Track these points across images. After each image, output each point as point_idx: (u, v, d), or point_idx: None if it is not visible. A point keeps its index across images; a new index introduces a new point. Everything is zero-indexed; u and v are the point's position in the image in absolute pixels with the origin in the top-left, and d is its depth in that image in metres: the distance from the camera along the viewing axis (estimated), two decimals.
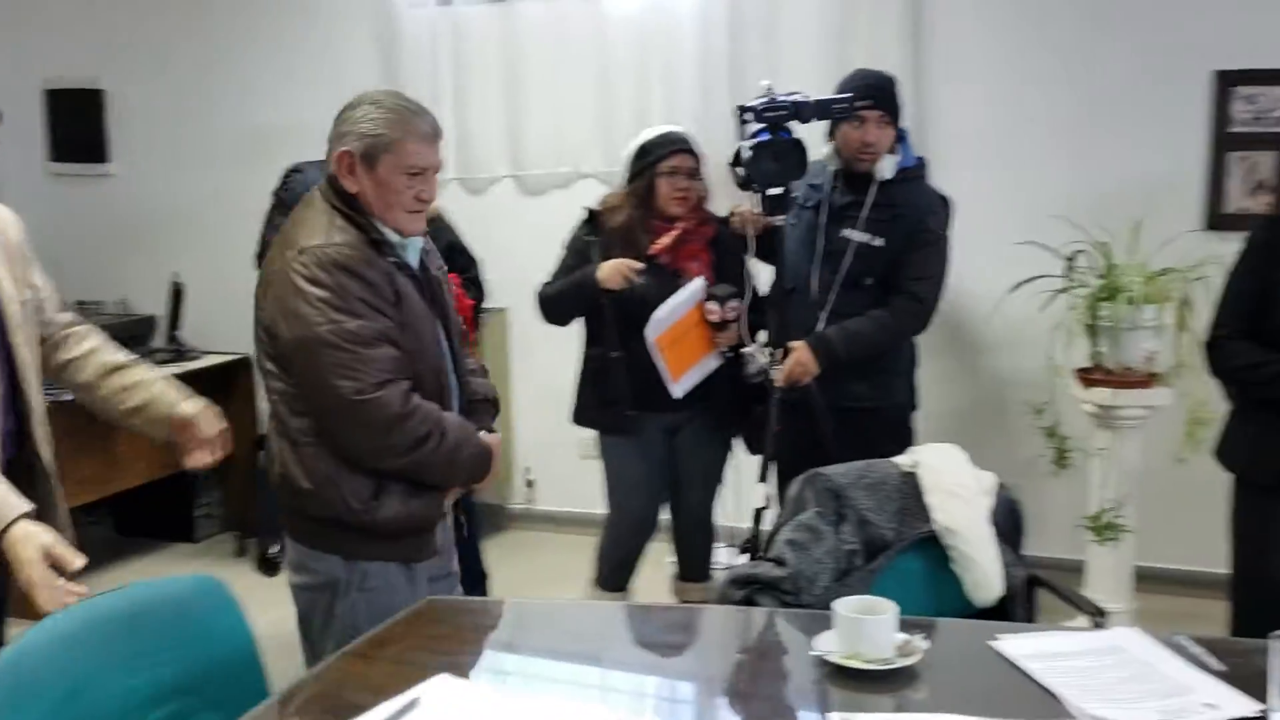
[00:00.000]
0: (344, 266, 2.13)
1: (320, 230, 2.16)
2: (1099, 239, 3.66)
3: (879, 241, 3.25)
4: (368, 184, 2.16)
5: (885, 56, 4.07)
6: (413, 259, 2.27)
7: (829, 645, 1.79)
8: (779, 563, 2.34)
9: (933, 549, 2.40)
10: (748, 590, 2.32)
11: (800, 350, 3.18)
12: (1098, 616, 2.42)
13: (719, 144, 3.61)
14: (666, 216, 3.30)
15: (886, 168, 3.26)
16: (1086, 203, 3.95)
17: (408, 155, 2.16)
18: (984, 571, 2.35)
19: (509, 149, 4.79)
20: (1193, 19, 3.98)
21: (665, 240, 3.29)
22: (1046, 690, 1.67)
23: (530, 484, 5.01)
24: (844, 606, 1.80)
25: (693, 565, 3.56)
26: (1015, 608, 2.40)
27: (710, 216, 3.38)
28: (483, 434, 2.36)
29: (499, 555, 4.07)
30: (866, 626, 1.76)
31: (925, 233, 3.28)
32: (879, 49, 4.19)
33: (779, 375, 3.13)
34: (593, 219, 3.40)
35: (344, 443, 2.19)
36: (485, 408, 2.48)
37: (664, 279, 3.27)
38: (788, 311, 3.21)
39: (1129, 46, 4.07)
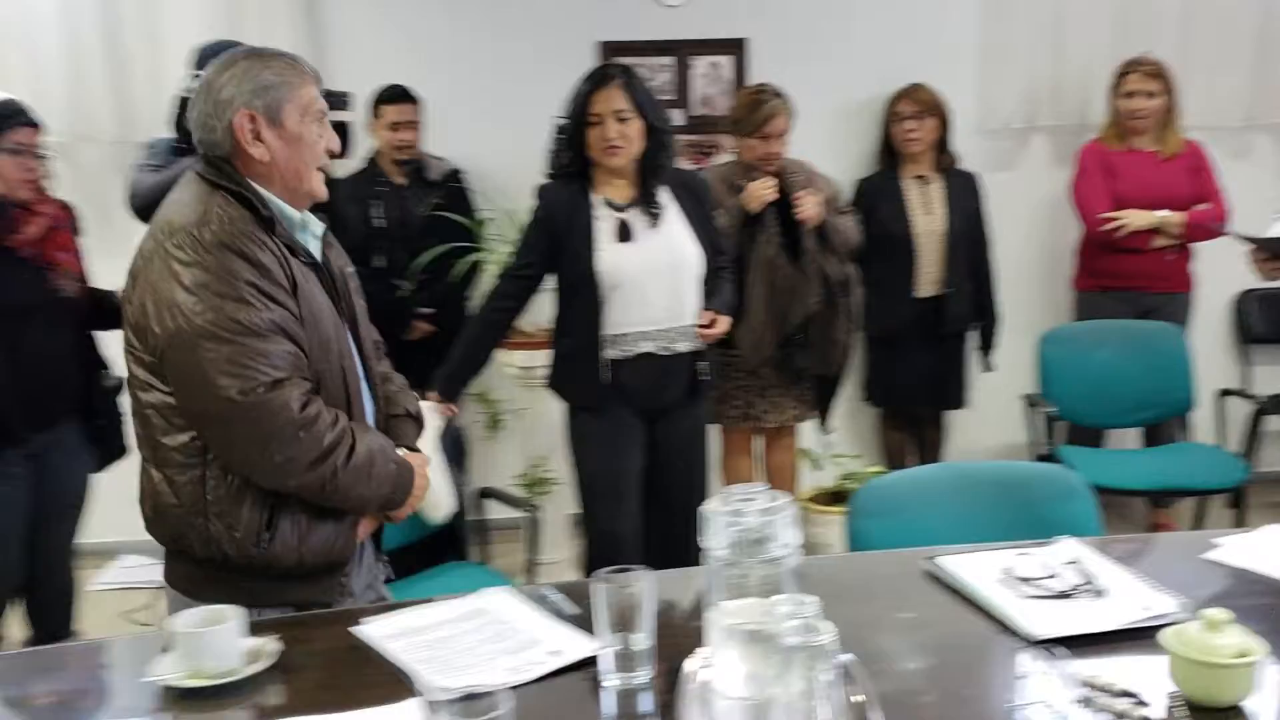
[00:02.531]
0: (228, 246, 1.78)
1: (197, 208, 1.81)
2: (505, 208, 3.76)
3: None
4: (278, 145, 1.86)
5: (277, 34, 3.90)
6: (313, 247, 1.94)
7: (167, 668, 1.59)
8: None
9: None
10: None
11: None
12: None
13: None
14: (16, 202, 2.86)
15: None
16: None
17: (311, 99, 1.89)
18: (435, 491, 2.24)
19: None
20: None
21: (33, 230, 2.85)
22: (403, 669, 1.59)
23: None
24: (180, 622, 1.61)
25: None
26: (464, 524, 2.63)
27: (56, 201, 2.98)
28: (402, 451, 1.98)
29: None
30: (206, 640, 1.59)
31: None
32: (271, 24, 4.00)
33: None
34: None
35: (231, 457, 1.81)
36: (408, 424, 2.09)
37: (32, 276, 2.84)
38: None
39: (523, 23, 4.21)
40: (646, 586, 1.49)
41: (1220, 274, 4.19)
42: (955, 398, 4.26)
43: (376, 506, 1.96)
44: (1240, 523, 3.64)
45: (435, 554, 2.98)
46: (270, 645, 1.63)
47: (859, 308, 3.73)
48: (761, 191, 3.51)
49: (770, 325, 3.56)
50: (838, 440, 4.25)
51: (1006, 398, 4.18)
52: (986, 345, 4.20)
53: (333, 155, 1.96)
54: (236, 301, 1.77)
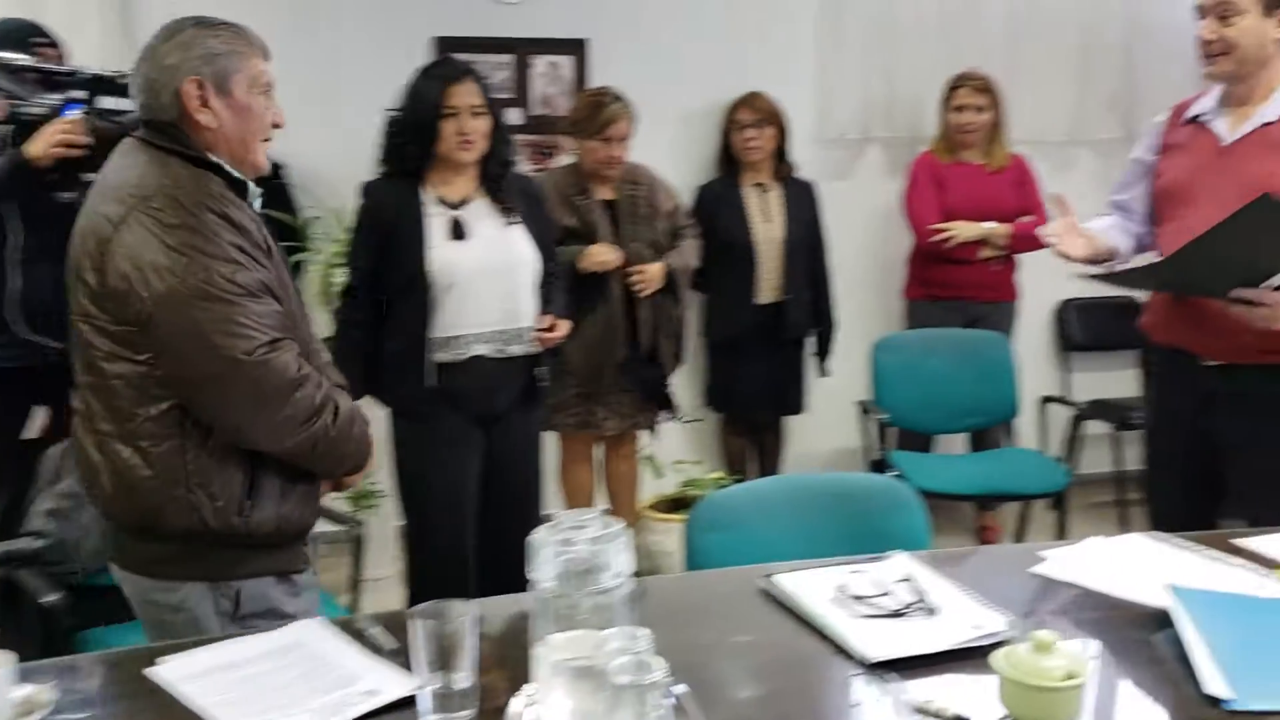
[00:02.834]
0: (209, 208, 1.78)
1: (162, 172, 1.79)
2: (331, 206, 3.60)
3: None
4: (226, 114, 1.86)
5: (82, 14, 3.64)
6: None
7: None
8: (38, 535, 2.37)
9: None
10: (7, 569, 2.28)
11: None
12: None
13: None
14: None
15: None
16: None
17: (260, 71, 1.89)
18: None
19: None
20: None
21: None
22: (200, 715, 1.46)
23: None
24: None
25: None
26: None
27: None
28: None
29: None
30: None
31: None
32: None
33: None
34: None
35: (226, 419, 1.80)
36: (343, 395, 2.00)
37: None
38: None
39: (355, 15, 4.04)
40: (468, 621, 1.40)
41: (1043, 284, 4.34)
42: (794, 403, 4.29)
43: (351, 465, 1.99)
44: (1062, 525, 3.77)
45: None
46: (45, 695, 1.47)
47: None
48: (602, 258, 3.48)
49: (604, 351, 3.55)
50: (678, 446, 4.22)
51: (843, 403, 4.23)
52: (823, 352, 4.25)
53: (276, 127, 1.94)
54: (227, 262, 1.76)
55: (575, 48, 4.22)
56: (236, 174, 1.87)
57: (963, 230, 4.03)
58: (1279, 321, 2.24)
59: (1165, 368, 2.64)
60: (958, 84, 4.12)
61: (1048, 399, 4.28)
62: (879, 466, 3.88)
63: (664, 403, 3.79)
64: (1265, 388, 2.43)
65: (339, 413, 1.90)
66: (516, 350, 2.88)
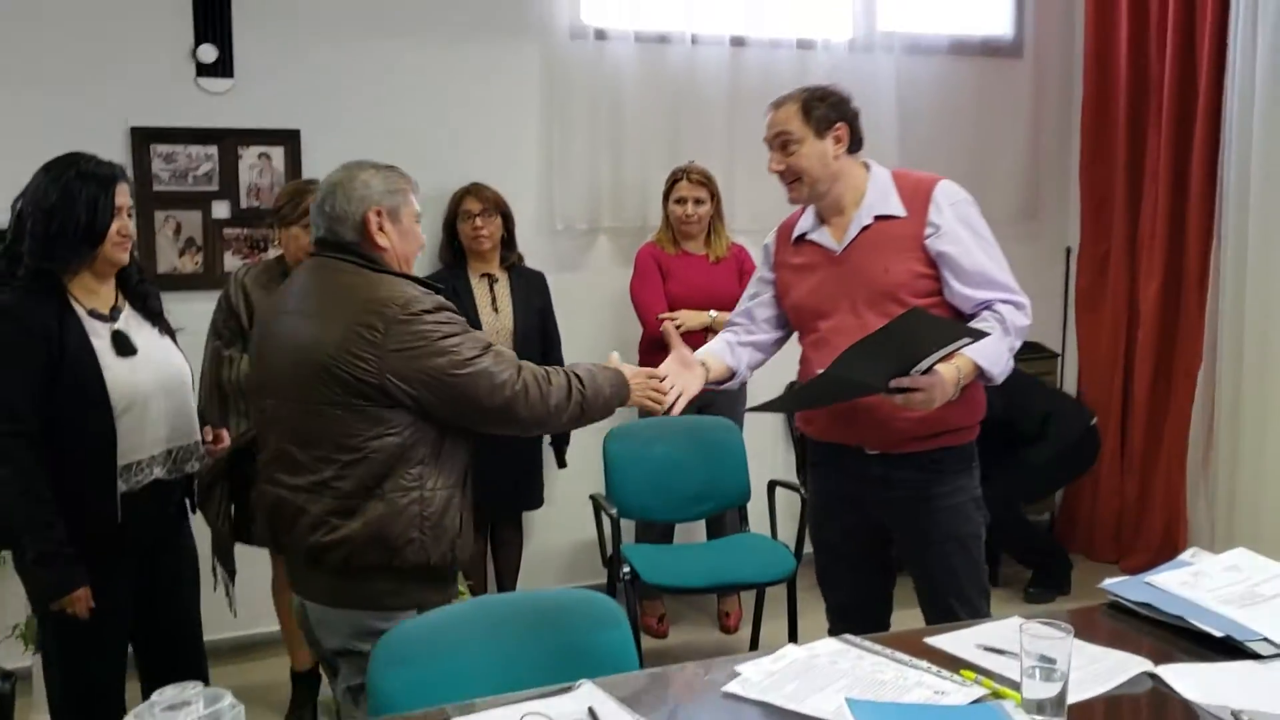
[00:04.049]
0: (441, 306, 2.25)
1: (389, 285, 2.24)
2: None
3: None
4: (395, 237, 2.31)
5: None
6: None
7: None
8: None
9: None
10: None
11: None
12: None
13: None
14: None
15: None
16: None
17: (415, 204, 2.38)
18: None
19: None
20: (110, 76, 3.81)
21: None
22: None
23: None
24: None
25: None
26: None
27: None
28: None
29: None
30: None
31: None
32: None
33: None
34: None
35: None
36: None
37: None
38: None
39: (48, 102, 3.75)
40: None
41: (768, 368, 4.36)
42: (532, 498, 4.19)
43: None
44: (792, 612, 3.78)
45: None
46: None
47: None
48: None
49: None
50: None
51: (580, 496, 4.15)
52: (559, 443, 4.16)
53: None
54: (469, 336, 2.27)
55: (287, 138, 4.06)
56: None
57: (688, 319, 4.06)
58: (935, 402, 2.36)
59: (825, 458, 2.76)
60: (678, 177, 4.18)
61: (776, 483, 4.30)
62: (613, 561, 3.82)
63: None
64: (922, 474, 2.59)
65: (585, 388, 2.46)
66: (191, 468, 2.66)
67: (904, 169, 2.69)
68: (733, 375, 2.80)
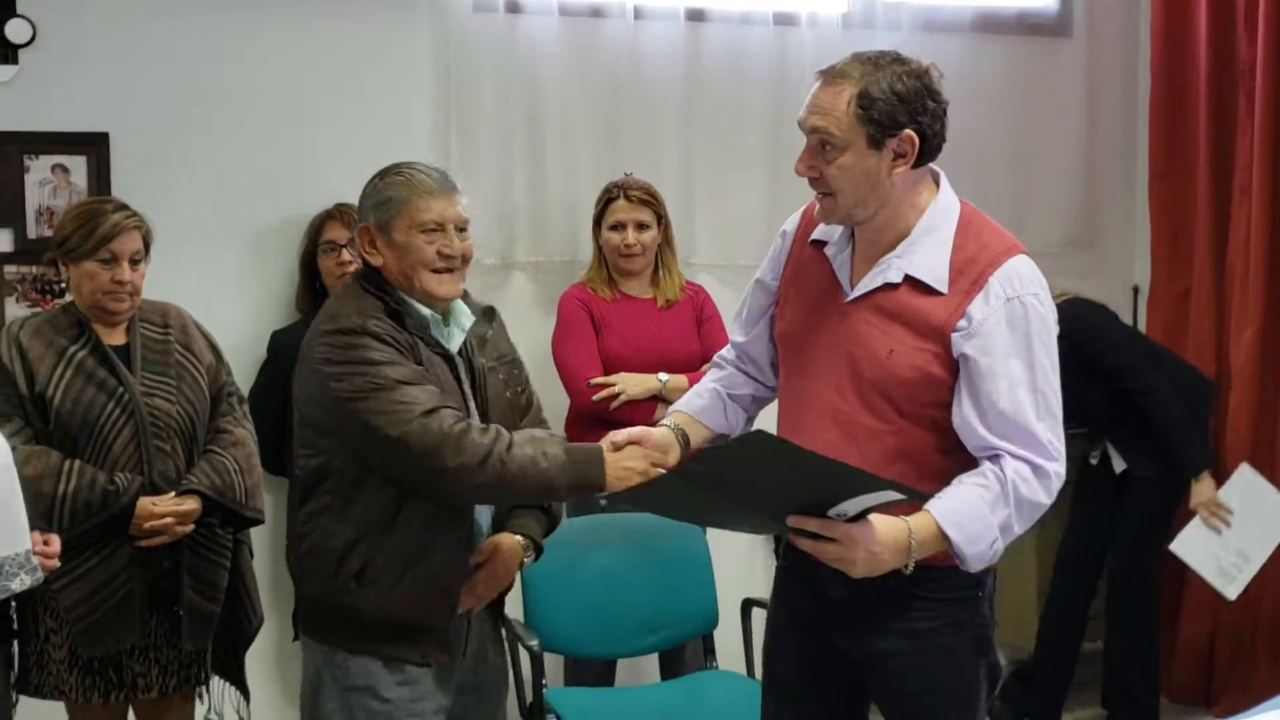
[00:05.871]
0: (365, 331, 2.19)
1: (346, 302, 2.26)
2: None
3: None
4: (389, 254, 2.26)
5: None
6: (450, 341, 2.31)
7: None
8: None
9: None
10: None
11: None
12: None
13: None
14: None
15: None
16: None
17: (418, 212, 2.26)
18: None
19: None
20: None
21: None
22: None
23: None
24: None
25: None
26: None
27: None
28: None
29: None
30: None
31: None
32: None
33: None
34: None
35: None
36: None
37: None
38: None
39: None
40: None
41: None
42: None
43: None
44: None
45: None
46: None
47: None
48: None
49: None
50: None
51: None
52: None
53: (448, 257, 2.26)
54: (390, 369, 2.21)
55: (91, 143, 3.35)
56: (421, 307, 2.28)
57: (630, 386, 3.41)
58: (856, 567, 1.93)
59: (788, 565, 2.36)
60: (613, 195, 3.49)
61: (750, 603, 3.48)
62: (532, 714, 3.16)
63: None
64: (903, 599, 2.16)
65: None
66: (17, 585, 2.28)
67: (984, 214, 2.19)
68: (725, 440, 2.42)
